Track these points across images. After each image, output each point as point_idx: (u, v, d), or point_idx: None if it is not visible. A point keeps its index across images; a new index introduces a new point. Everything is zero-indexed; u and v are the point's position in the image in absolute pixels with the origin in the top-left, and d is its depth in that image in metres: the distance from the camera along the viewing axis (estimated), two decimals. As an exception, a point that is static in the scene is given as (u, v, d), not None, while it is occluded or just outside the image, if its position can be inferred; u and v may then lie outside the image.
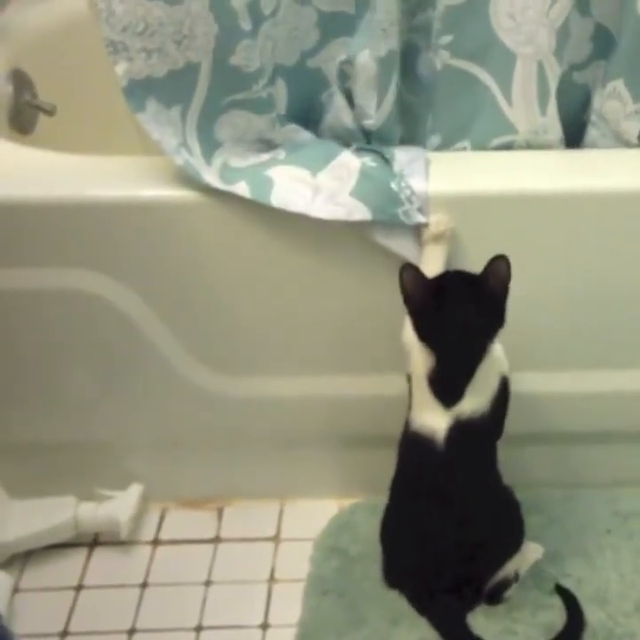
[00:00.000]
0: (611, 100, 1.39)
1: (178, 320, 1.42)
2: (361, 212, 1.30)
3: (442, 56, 1.37)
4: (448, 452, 1.26)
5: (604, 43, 1.40)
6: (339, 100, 1.42)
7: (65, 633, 1.40)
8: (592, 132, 1.42)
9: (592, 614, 1.34)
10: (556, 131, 1.39)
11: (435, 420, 1.26)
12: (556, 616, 1.34)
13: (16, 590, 1.44)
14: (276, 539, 1.51)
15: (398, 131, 1.44)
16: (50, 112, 1.64)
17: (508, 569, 1.34)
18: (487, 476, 1.32)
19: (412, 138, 1.44)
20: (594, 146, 1.43)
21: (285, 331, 1.43)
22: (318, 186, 1.32)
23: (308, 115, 1.45)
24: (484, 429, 1.28)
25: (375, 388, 1.45)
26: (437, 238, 1.32)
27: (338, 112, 1.42)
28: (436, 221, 1.31)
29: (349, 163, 1.34)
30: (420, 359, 1.25)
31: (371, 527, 1.42)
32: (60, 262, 1.38)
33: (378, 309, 1.37)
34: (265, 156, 1.37)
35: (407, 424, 1.30)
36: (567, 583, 1.39)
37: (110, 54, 1.27)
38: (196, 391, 1.47)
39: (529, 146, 1.40)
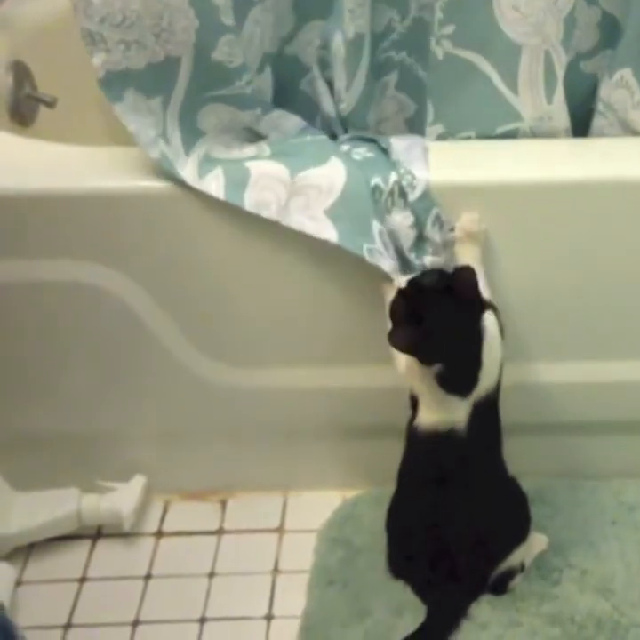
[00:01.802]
0: (618, 90, 1.38)
1: (180, 311, 1.42)
2: (329, 234, 1.30)
3: (444, 45, 1.36)
4: (469, 436, 1.26)
5: (611, 31, 1.39)
6: (319, 86, 1.41)
7: (68, 625, 1.39)
8: (599, 122, 1.41)
9: (597, 605, 1.34)
10: (562, 118, 1.39)
11: (454, 413, 1.26)
12: (562, 606, 1.34)
13: (19, 582, 1.44)
14: (279, 530, 1.51)
15: (372, 116, 1.44)
16: (50, 104, 1.64)
17: (514, 559, 1.34)
18: (498, 460, 1.32)
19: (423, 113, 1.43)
20: (601, 134, 1.42)
21: (288, 322, 1.43)
22: (295, 190, 1.31)
23: (290, 105, 1.44)
24: (497, 396, 1.28)
25: (379, 379, 1.44)
26: (471, 238, 1.31)
27: (319, 98, 1.42)
28: (469, 219, 1.31)
29: (335, 176, 1.31)
30: (422, 375, 1.24)
31: (374, 518, 1.41)
32: (61, 254, 1.38)
33: (380, 300, 1.36)
34: (249, 150, 1.36)
35: (417, 424, 1.29)
36: (572, 574, 1.38)
37: (87, 45, 1.27)
38: (199, 383, 1.47)
39: (534, 134, 1.40)
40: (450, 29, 1.34)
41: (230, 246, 1.37)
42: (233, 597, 1.41)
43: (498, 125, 1.40)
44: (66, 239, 1.37)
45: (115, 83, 1.29)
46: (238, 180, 1.31)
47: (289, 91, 1.45)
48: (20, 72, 1.61)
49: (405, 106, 1.50)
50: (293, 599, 1.38)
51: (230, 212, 1.33)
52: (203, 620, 1.39)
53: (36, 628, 1.36)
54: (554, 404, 1.48)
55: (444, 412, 1.26)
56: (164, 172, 1.32)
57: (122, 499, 1.49)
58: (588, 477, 1.53)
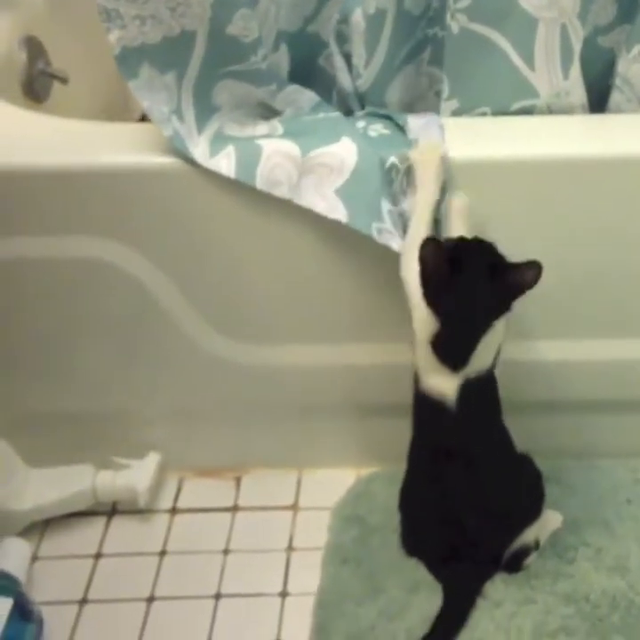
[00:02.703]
0: (636, 64, 1.36)
1: (194, 289, 1.42)
2: (339, 214, 1.29)
3: (459, 20, 1.34)
4: (461, 412, 1.25)
5: (628, 5, 1.37)
6: (336, 61, 1.40)
7: (84, 600, 1.40)
8: (616, 97, 1.40)
9: (612, 584, 1.34)
10: (579, 94, 1.37)
11: (443, 384, 1.25)
12: (576, 585, 1.34)
13: (35, 558, 1.45)
14: (294, 507, 1.51)
15: (394, 95, 1.42)
16: (64, 80, 1.63)
17: (528, 537, 1.33)
18: (499, 434, 1.31)
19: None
20: (618, 110, 1.40)
21: (303, 299, 1.43)
22: (306, 168, 1.30)
23: (308, 81, 1.43)
24: (491, 380, 1.27)
25: (393, 357, 1.43)
26: (427, 165, 1.29)
27: (336, 74, 1.41)
28: (429, 145, 1.30)
29: (346, 155, 1.30)
30: (422, 320, 1.23)
31: (389, 496, 1.41)
32: (75, 231, 1.38)
33: (395, 277, 1.36)
34: (261, 128, 1.35)
35: (416, 386, 1.29)
36: (587, 552, 1.38)
37: (103, 22, 1.26)
38: (214, 360, 1.47)
39: (550, 110, 1.38)
40: (465, 3, 1.33)
41: (246, 224, 1.36)
42: (247, 574, 1.42)
43: (514, 101, 1.38)
44: (79, 216, 1.37)
45: (130, 59, 1.28)
46: (250, 158, 1.31)
47: (308, 68, 1.44)
48: (34, 48, 1.60)
49: (436, 79, 1.48)
50: (308, 576, 1.39)
51: (247, 190, 1.32)
52: (217, 597, 1.39)
53: (51, 604, 1.37)
54: (570, 383, 1.47)
55: (434, 378, 1.26)
56: (176, 150, 1.31)
57: (137, 475, 1.49)
58: (604, 456, 1.52)
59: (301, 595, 1.37)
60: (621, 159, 1.33)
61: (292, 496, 1.53)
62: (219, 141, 1.33)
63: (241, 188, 1.33)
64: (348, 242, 1.35)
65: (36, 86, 1.60)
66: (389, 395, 1.45)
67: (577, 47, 1.33)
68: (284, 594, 1.39)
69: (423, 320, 1.23)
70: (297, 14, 1.41)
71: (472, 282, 1.21)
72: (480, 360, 1.24)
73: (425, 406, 1.28)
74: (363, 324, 1.44)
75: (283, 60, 1.40)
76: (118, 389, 1.51)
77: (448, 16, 1.35)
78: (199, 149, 1.31)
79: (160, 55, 1.29)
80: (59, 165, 1.34)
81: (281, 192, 1.30)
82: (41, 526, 1.49)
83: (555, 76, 1.35)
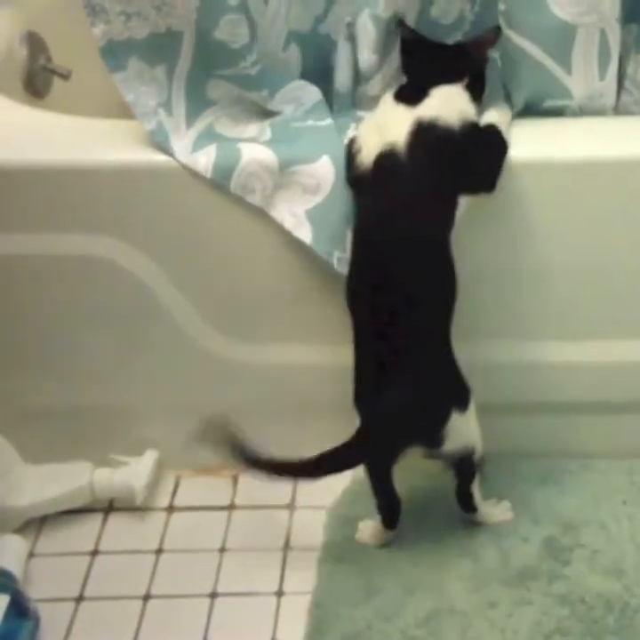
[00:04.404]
0: None
1: (193, 287, 1.42)
2: (305, 234, 1.31)
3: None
4: (410, 158, 1.24)
5: (635, 5, 1.36)
6: (342, 63, 1.40)
7: (80, 598, 1.40)
8: (625, 99, 1.39)
9: (607, 585, 1.34)
10: (611, 96, 1.37)
11: (396, 131, 1.25)
12: (572, 586, 1.34)
13: (31, 555, 1.45)
14: (290, 507, 1.51)
15: None
16: (65, 76, 1.63)
17: (460, 432, 1.29)
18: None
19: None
20: (627, 112, 1.40)
21: (301, 298, 1.43)
22: (282, 182, 1.31)
23: (320, 82, 1.43)
24: (450, 140, 1.26)
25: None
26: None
27: (341, 75, 1.41)
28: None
29: (323, 178, 1.31)
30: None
31: (385, 496, 1.42)
32: (75, 227, 1.38)
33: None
34: (252, 130, 1.35)
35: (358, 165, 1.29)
36: (583, 554, 1.38)
37: (88, 16, 1.27)
38: (212, 358, 1.47)
39: (582, 111, 1.37)
40: (501, 7, 1.32)
41: (244, 222, 1.36)
42: (244, 573, 1.42)
43: (546, 100, 1.37)
44: (78, 212, 1.37)
45: (117, 52, 1.29)
46: (228, 160, 1.31)
47: (320, 69, 1.43)
48: (35, 44, 1.60)
49: None
50: (304, 576, 1.39)
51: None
52: (213, 595, 1.39)
53: (47, 601, 1.37)
54: (565, 384, 1.47)
55: (387, 133, 1.26)
56: (156, 144, 1.32)
57: (134, 473, 1.49)
58: (600, 457, 1.52)
59: (297, 594, 1.37)
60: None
61: (288, 495, 1.53)
62: (204, 138, 1.33)
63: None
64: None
65: (37, 82, 1.60)
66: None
67: (615, 49, 1.33)
68: (279, 593, 1.39)
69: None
70: (308, 13, 1.40)
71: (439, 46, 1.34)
72: (440, 102, 1.26)
73: (373, 170, 1.26)
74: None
75: (293, 58, 1.40)
76: (116, 387, 1.51)
77: None
78: (182, 143, 1.31)
79: (148, 50, 1.30)
80: (57, 162, 1.34)
81: (254, 200, 1.32)
82: (37, 523, 1.49)
83: (591, 78, 1.34)
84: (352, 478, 1.52)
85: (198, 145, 1.32)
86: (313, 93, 1.39)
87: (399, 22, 1.34)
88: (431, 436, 1.29)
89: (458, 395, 1.30)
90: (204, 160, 1.31)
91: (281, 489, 1.53)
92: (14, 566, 1.37)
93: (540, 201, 1.34)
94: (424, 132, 1.24)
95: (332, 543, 1.43)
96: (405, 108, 1.27)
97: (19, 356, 1.48)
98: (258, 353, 1.47)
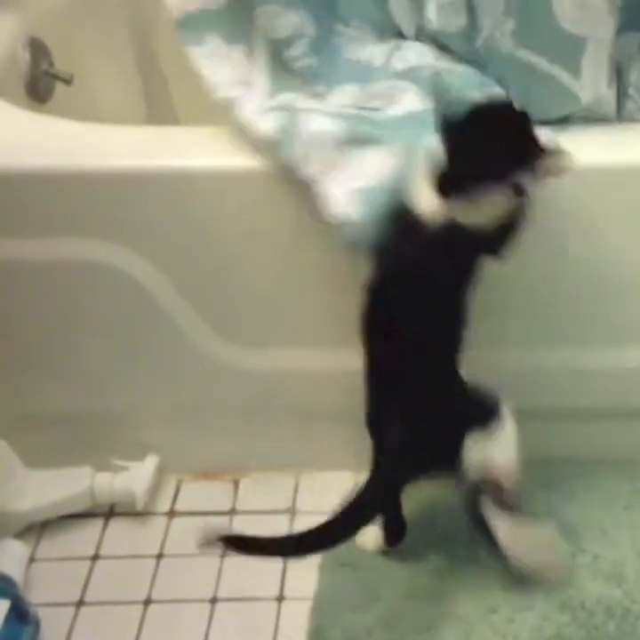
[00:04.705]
0: None
1: (194, 291, 1.42)
2: (353, 213, 1.27)
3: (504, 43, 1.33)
4: (436, 236, 1.20)
5: (634, 12, 1.36)
6: None
7: (81, 602, 1.40)
8: (629, 106, 1.39)
9: (608, 592, 1.34)
10: (614, 103, 1.37)
11: (432, 202, 1.20)
12: (573, 592, 1.34)
13: (32, 560, 1.45)
14: (291, 511, 1.51)
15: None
16: (67, 81, 1.63)
17: (478, 452, 1.26)
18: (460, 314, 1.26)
19: None
20: (632, 120, 1.39)
21: (302, 303, 1.43)
22: (342, 160, 1.28)
23: None
24: (478, 239, 1.22)
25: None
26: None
27: None
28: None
29: (388, 162, 1.27)
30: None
31: (387, 501, 1.41)
32: (76, 232, 1.38)
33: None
34: (333, 99, 1.33)
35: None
36: (584, 559, 1.38)
37: None
38: (213, 363, 1.47)
39: (586, 118, 1.37)
40: (510, 27, 1.31)
41: (245, 227, 1.36)
42: (244, 578, 1.42)
43: (556, 111, 1.36)
44: (79, 217, 1.37)
45: (193, 24, 1.26)
46: (292, 127, 1.27)
47: None
48: (37, 49, 1.60)
49: None
50: (304, 581, 1.39)
51: (245, 191, 1.33)
52: (214, 601, 1.39)
53: (48, 606, 1.37)
54: (567, 390, 1.47)
55: (423, 198, 1.21)
56: (223, 106, 1.28)
57: (135, 478, 1.49)
58: (601, 463, 1.52)
59: (298, 599, 1.38)
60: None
61: (289, 500, 1.53)
62: (276, 109, 1.29)
63: (240, 191, 1.33)
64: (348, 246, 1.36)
65: (40, 87, 1.60)
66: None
67: (614, 58, 1.33)
68: (280, 598, 1.39)
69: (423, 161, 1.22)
70: None
71: (492, 129, 1.19)
72: (473, 211, 1.20)
73: (401, 225, 1.23)
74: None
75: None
76: (117, 391, 1.51)
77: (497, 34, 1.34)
78: (252, 105, 1.27)
79: (226, 25, 1.27)
80: (58, 167, 1.34)
81: (307, 173, 1.27)
82: (38, 528, 1.49)
83: (598, 85, 1.33)
84: (355, 482, 1.51)
85: (267, 110, 1.29)
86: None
87: (438, 94, 1.27)
88: (448, 463, 1.27)
89: (474, 417, 1.28)
90: (269, 124, 1.27)
91: (282, 494, 1.53)
92: (15, 571, 1.37)
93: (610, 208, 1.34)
94: (459, 230, 1.21)
95: (333, 549, 1.43)
96: (443, 199, 1.21)
97: (20, 360, 1.48)
98: (259, 357, 1.47)
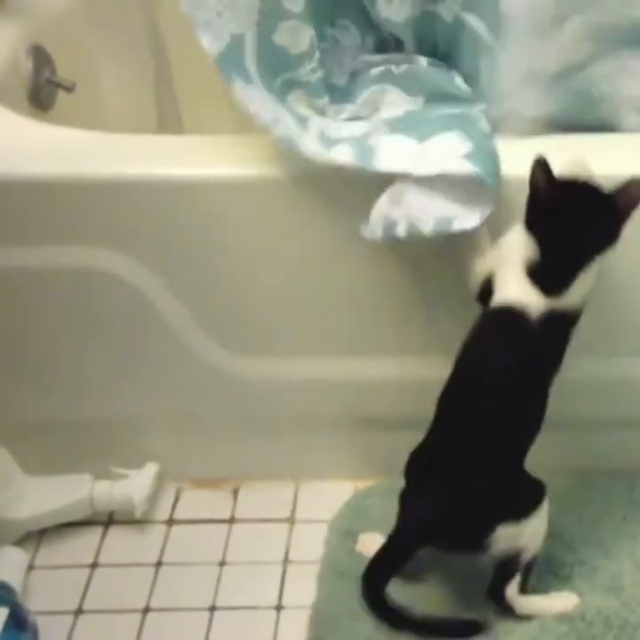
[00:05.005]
0: None
1: (194, 300, 1.42)
2: (470, 169, 1.22)
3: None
4: (541, 330, 1.21)
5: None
6: None
7: (79, 610, 1.40)
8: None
9: (607, 602, 1.34)
10: None
11: (529, 298, 1.21)
12: (572, 603, 1.34)
13: (31, 567, 1.45)
14: (290, 520, 1.51)
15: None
16: (69, 89, 1.63)
17: (502, 540, 1.26)
18: (541, 397, 1.27)
19: None
20: (631, 131, 1.40)
21: (302, 312, 1.43)
22: (427, 148, 1.27)
23: None
24: (573, 321, 1.24)
25: (392, 371, 1.44)
26: None
27: None
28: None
29: (459, 145, 1.26)
30: (517, 246, 1.21)
31: (385, 510, 1.40)
32: (77, 240, 1.38)
33: (395, 292, 1.36)
34: (362, 126, 1.34)
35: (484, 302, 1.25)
36: (582, 571, 1.38)
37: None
38: (213, 371, 1.47)
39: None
40: None
41: (248, 236, 1.36)
42: (243, 587, 1.42)
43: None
44: (80, 225, 1.37)
45: (229, 61, 1.28)
46: (365, 149, 1.27)
47: None
48: (40, 57, 1.60)
49: None
50: (303, 590, 1.38)
51: (245, 200, 1.34)
52: (213, 609, 1.39)
53: (47, 614, 1.37)
54: (566, 400, 1.47)
55: (518, 293, 1.21)
56: (291, 150, 1.28)
57: (134, 486, 1.49)
58: (600, 474, 1.52)
59: (297, 608, 1.37)
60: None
61: (288, 509, 1.53)
62: (325, 140, 1.30)
63: (242, 199, 1.34)
64: (349, 255, 1.36)
65: (42, 95, 1.60)
66: (388, 408, 1.47)
67: None
68: (279, 607, 1.39)
69: (517, 245, 1.21)
70: None
71: (579, 210, 1.19)
72: (573, 295, 1.21)
73: (499, 316, 1.23)
74: (362, 337, 1.44)
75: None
76: (117, 399, 1.51)
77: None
78: (311, 143, 1.28)
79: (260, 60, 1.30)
80: (60, 175, 1.34)
81: (405, 166, 1.25)
82: (37, 535, 1.49)
83: None
84: (354, 491, 1.52)
85: (326, 145, 1.29)
86: (422, 65, 1.41)
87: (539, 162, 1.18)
88: (467, 546, 1.29)
89: (514, 506, 1.28)
90: (344, 151, 1.27)
91: (281, 502, 1.53)
92: (13, 579, 1.37)
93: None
94: (561, 317, 1.22)
95: (332, 557, 1.43)
96: (540, 294, 1.21)
97: (19, 368, 1.48)
98: (259, 367, 1.47)
